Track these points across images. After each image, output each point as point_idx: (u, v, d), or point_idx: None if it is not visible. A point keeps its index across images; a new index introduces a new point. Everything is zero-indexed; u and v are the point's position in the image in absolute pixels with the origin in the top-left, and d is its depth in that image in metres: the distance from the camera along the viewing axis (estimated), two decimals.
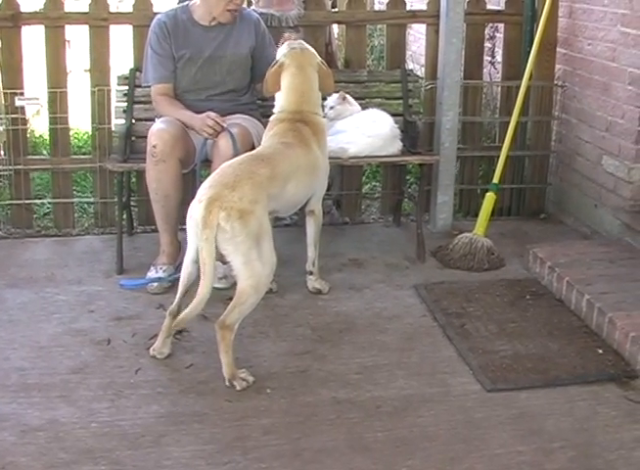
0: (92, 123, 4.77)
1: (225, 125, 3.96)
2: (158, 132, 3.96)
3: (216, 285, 4.04)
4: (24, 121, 4.80)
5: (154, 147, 3.93)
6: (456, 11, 4.57)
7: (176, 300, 3.41)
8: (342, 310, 3.91)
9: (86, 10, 4.63)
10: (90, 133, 4.95)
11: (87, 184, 5.41)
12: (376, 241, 4.82)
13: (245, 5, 4.50)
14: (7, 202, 4.88)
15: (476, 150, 5.09)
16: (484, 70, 5.68)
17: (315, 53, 3.92)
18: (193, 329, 3.64)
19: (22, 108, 4.70)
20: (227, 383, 3.21)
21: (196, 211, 3.17)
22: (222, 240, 3.14)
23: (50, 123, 4.77)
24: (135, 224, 4.88)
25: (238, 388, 3.19)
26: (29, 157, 4.82)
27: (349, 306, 3.95)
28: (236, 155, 3.84)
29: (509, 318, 3.77)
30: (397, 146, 4.46)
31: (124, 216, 4.72)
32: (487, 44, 5.49)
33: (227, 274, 4.08)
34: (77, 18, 4.65)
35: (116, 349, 3.54)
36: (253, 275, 3.19)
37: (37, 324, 3.74)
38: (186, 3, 4.29)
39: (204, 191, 3.22)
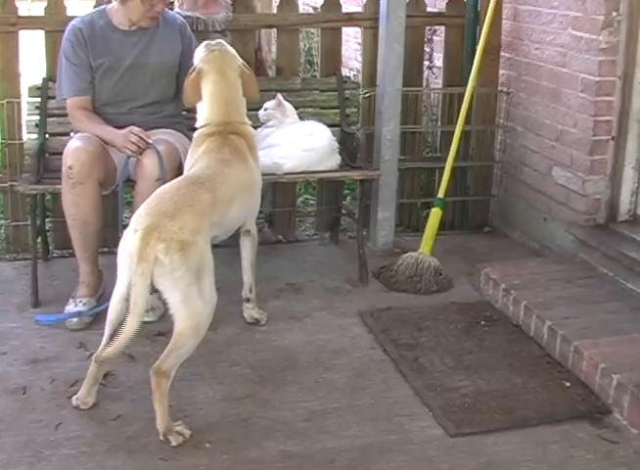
0: (1, 139, 4.33)
1: (150, 141, 3.58)
2: (74, 152, 3.55)
3: (144, 318, 3.70)
4: None
5: (69, 168, 3.52)
6: (397, 14, 4.26)
7: (102, 343, 3.02)
8: (283, 344, 3.57)
9: None
10: None
11: None
12: (313, 261, 4.49)
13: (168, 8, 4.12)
14: None
15: (416, 161, 4.81)
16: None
17: (236, 55, 3.55)
18: (119, 372, 3.26)
19: None
20: (161, 437, 2.83)
21: (130, 241, 2.80)
22: (159, 275, 2.77)
23: None
24: (51, 248, 4.45)
25: (173, 443, 2.82)
26: None
27: (290, 339, 3.61)
28: (163, 175, 3.48)
29: (465, 349, 3.48)
30: (336, 160, 4.15)
31: (39, 241, 4.32)
32: (425, 48, 5.22)
33: (155, 306, 3.73)
34: None
35: (34, 398, 3.12)
36: (193, 315, 2.83)
37: None
38: (103, 7, 3.89)
39: (139, 220, 2.84)
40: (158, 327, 3.64)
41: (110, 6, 3.85)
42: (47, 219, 4.29)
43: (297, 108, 4.33)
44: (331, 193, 4.73)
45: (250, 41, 4.49)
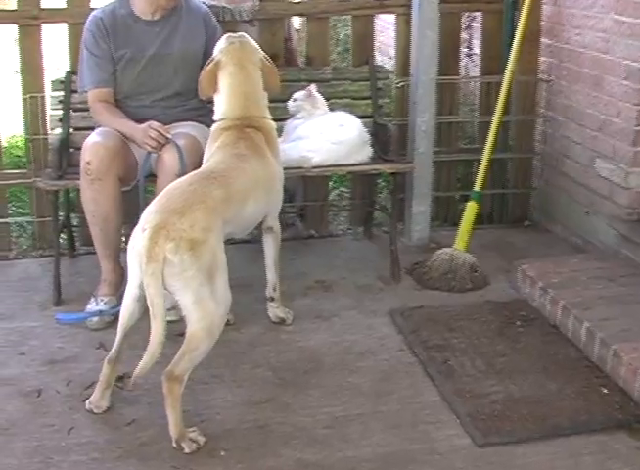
0: (25, 134, 4.26)
1: (170, 136, 3.47)
2: (92, 147, 3.45)
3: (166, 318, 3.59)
4: None
5: (87, 164, 3.43)
6: (430, 0, 4.08)
7: (115, 345, 2.92)
8: (308, 345, 3.43)
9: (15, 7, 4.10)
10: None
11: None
12: (345, 257, 4.34)
13: None
14: None
15: (452, 153, 4.62)
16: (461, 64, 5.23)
17: (257, 47, 3.41)
18: None
19: None
20: (174, 444, 2.72)
21: (139, 240, 2.69)
22: (169, 275, 2.65)
23: None
24: (78, 244, 4.37)
25: (187, 450, 2.71)
26: None
27: (316, 340, 3.48)
28: (183, 169, 3.36)
29: (498, 351, 3.31)
30: (367, 152, 3.98)
31: (64, 237, 4.25)
32: (464, 35, 5.03)
33: (177, 305, 3.62)
34: (4, 16, 4.12)
35: (48, 401, 3.04)
36: (206, 316, 2.71)
37: None
38: None
39: (148, 217, 2.73)
40: (180, 327, 3.52)
41: None
42: (73, 215, 4.22)
43: (327, 99, 4.17)
44: (365, 186, 4.57)
45: (278, 30, 4.35)
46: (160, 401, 2.88)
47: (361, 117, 4.12)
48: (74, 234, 4.32)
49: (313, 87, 4.04)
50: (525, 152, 4.66)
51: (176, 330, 3.43)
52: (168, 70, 3.73)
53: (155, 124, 3.49)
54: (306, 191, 4.63)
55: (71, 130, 4.00)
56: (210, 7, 4.13)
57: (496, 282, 3.99)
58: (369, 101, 4.29)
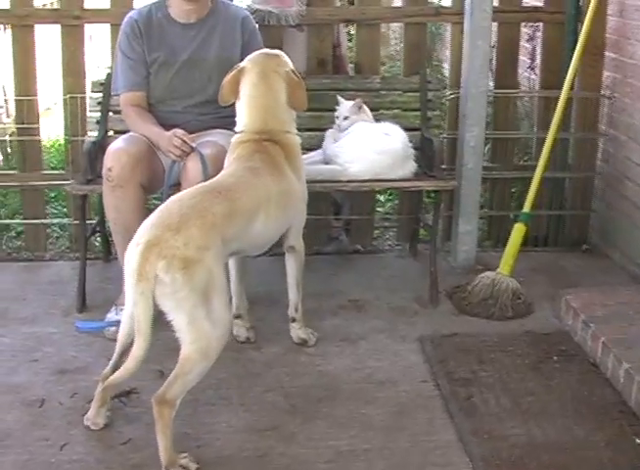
0: (65, 135, 4.21)
1: (194, 145, 3.34)
2: (114, 153, 3.35)
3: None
4: None
5: (109, 170, 3.33)
6: (482, 8, 3.84)
7: (111, 362, 2.81)
8: (328, 370, 3.25)
9: (58, 6, 4.06)
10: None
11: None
12: (385, 276, 4.14)
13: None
14: None
15: (507, 170, 4.37)
16: (524, 75, 4.97)
17: (286, 61, 3.24)
18: (145, 389, 3.02)
19: None
20: None
21: (132, 256, 2.56)
22: (161, 295, 2.52)
23: (18, 135, 4.20)
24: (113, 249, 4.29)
25: None
26: None
27: (337, 365, 3.29)
28: (206, 179, 3.21)
29: (528, 389, 3.06)
30: (410, 168, 3.78)
31: (100, 241, 4.19)
32: (527, 45, 4.77)
33: None
34: (46, 15, 4.08)
35: (48, 413, 2.95)
36: (200, 338, 2.56)
37: None
38: None
39: (143, 232, 2.60)
40: None
41: None
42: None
43: (375, 109, 4.02)
44: (412, 201, 4.37)
45: (327, 37, 4.19)
46: None
47: (409, 130, 3.93)
48: (110, 238, 4.24)
49: (359, 101, 3.87)
50: (584, 171, 4.37)
51: None
52: (202, 75, 3.60)
53: (179, 132, 3.36)
54: (353, 204, 4.45)
55: (111, 133, 3.93)
56: (256, 11, 4.03)
57: (541, 310, 3.73)
58: (418, 113, 4.09)
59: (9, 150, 4.76)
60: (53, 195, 4.88)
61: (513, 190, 4.52)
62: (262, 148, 3.08)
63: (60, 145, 5.57)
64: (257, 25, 4.09)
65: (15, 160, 4.35)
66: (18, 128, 4.20)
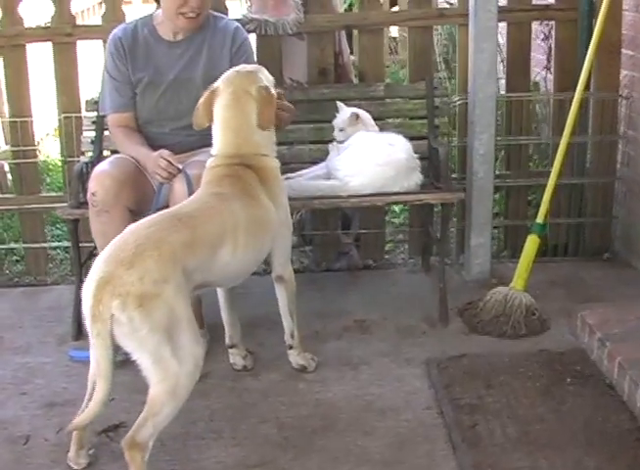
0: (62, 156, 4.10)
1: (180, 167, 3.19)
2: (97, 176, 3.22)
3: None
4: None
5: (93, 195, 3.20)
6: (487, 8, 3.64)
7: (85, 401, 2.65)
8: (326, 398, 3.07)
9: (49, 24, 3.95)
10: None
11: None
12: (394, 293, 3.96)
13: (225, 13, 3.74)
14: None
15: (522, 177, 4.16)
16: (541, 77, 4.76)
17: (262, 77, 3.02)
18: (133, 423, 2.88)
19: None
20: None
21: (85, 296, 2.41)
22: (120, 335, 2.37)
23: (14, 158, 4.11)
24: None
25: None
26: None
27: (337, 392, 3.11)
28: None
29: (537, 415, 2.86)
30: (415, 179, 3.60)
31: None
32: (543, 45, 4.56)
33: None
34: (38, 34, 3.97)
35: (32, 450, 2.83)
36: (168, 377, 2.41)
37: None
38: (150, 13, 3.54)
39: (95, 268, 2.44)
40: None
41: (157, 12, 3.50)
42: None
43: (379, 118, 3.85)
44: (423, 213, 4.17)
45: (327, 45, 4.02)
46: (149, 459, 2.63)
47: (416, 139, 3.77)
48: None
49: (357, 111, 3.71)
50: (604, 176, 4.14)
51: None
52: (190, 96, 3.35)
53: (165, 153, 3.21)
54: (362, 217, 4.28)
55: (107, 153, 3.81)
56: (251, 21, 3.90)
57: (557, 327, 3.51)
58: (425, 121, 3.91)
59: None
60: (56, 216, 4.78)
61: (531, 198, 4.30)
62: (233, 172, 2.89)
63: None
64: (255, 35, 3.96)
65: (12, 183, 4.25)
66: (14, 151, 4.10)
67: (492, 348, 3.39)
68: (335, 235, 4.30)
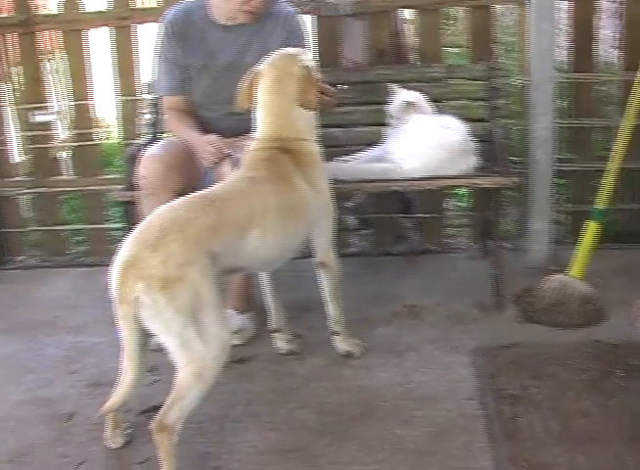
0: (121, 138, 4.16)
1: (228, 151, 3.18)
2: (147, 160, 3.24)
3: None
4: (47, 139, 4.23)
5: (142, 178, 3.23)
6: None
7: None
8: (368, 385, 3.04)
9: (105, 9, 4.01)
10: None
11: None
12: (450, 278, 3.89)
13: None
14: (31, 228, 4.39)
15: (588, 161, 4.01)
16: (614, 55, 4.57)
17: (305, 58, 2.98)
18: None
19: (47, 124, 4.14)
20: None
21: (112, 279, 2.44)
22: (147, 317, 2.38)
23: (75, 140, 4.19)
24: None
25: None
26: (53, 178, 4.27)
27: (380, 379, 3.07)
28: None
29: (582, 409, 2.76)
30: (470, 163, 3.50)
31: None
32: (616, 22, 4.37)
33: (242, 327, 3.38)
34: (96, 19, 4.03)
35: (75, 428, 2.89)
36: (194, 360, 2.41)
37: (4, 387, 3.20)
38: None
39: (123, 250, 2.46)
40: (240, 352, 3.28)
41: None
42: None
43: (437, 100, 3.76)
44: (484, 197, 4.07)
45: (385, 25, 3.95)
46: (182, 439, 2.65)
47: (475, 121, 3.67)
48: None
49: (412, 96, 3.63)
50: None
51: (235, 356, 3.25)
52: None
53: (213, 138, 3.21)
54: (422, 201, 4.22)
55: (166, 135, 3.84)
56: (310, 1, 3.84)
57: (615, 317, 3.39)
58: (484, 103, 3.80)
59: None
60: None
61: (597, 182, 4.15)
62: (270, 156, 2.87)
63: None
64: (313, 16, 3.93)
65: (75, 165, 4.33)
66: (76, 134, 4.17)
67: (544, 337, 3.29)
68: (394, 219, 4.24)
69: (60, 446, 2.78)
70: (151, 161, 3.24)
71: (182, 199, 2.68)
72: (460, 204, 4.77)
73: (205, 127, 3.42)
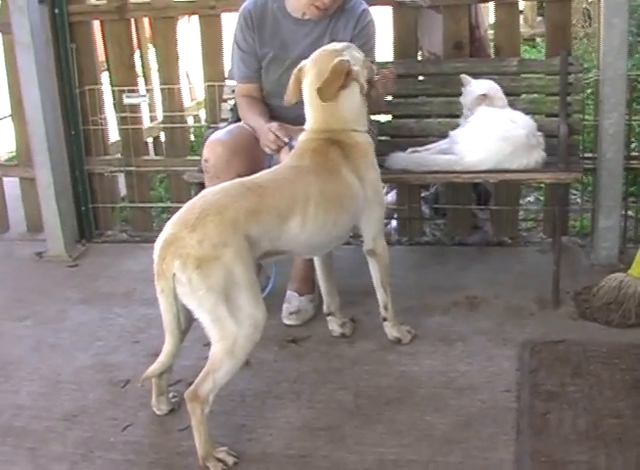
0: (206, 122, 4.35)
1: (287, 140, 3.29)
2: (210, 144, 3.40)
3: (286, 321, 3.50)
4: (137, 120, 4.46)
5: (205, 161, 3.39)
6: None
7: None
8: (410, 371, 3.11)
9: None
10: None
11: None
12: (516, 271, 3.90)
13: None
14: (121, 204, 4.65)
15: None
16: None
17: (348, 53, 3.04)
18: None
19: (137, 106, 4.37)
20: (200, 462, 2.61)
21: (154, 254, 2.61)
22: (182, 293, 2.54)
23: (163, 123, 4.41)
24: None
25: None
26: (143, 158, 4.50)
27: (423, 366, 3.14)
28: None
29: (615, 410, 2.75)
30: (536, 157, 3.49)
31: None
32: None
33: (301, 308, 3.51)
34: (184, 7, 4.21)
35: (127, 394, 3.09)
36: (225, 337, 2.55)
37: (74, 352, 3.43)
38: None
39: (165, 228, 2.63)
40: (296, 332, 3.42)
41: None
42: None
43: (511, 94, 3.76)
44: (557, 192, 4.03)
45: (462, 18, 3.97)
46: (224, 411, 2.83)
47: (548, 116, 3.67)
48: None
49: (489, 88, 3.64)
50: None
51: (290, 336, 3.39)
52: None
53: (274, 127, 3.33)
54: (496, 193, 4.23)
55: None
56: None
57: None
58: (557, 98, 3.77)
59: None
60: None
61: None
62: (317, 147, 2.97)
63: None
64: (391, 8, 3.99)
65: (165, 147, 4.56)
66: (166, 116, 4.39)
67: (595, 335, 3.27)
68: (468, 209, 4.27)
69: (111, 410, 2.98)
70: (215, 144, 3.39)
71: (226, 183, 2.83)
72: (540, 198, 4.74)
73: (274, 115, 3.54)
